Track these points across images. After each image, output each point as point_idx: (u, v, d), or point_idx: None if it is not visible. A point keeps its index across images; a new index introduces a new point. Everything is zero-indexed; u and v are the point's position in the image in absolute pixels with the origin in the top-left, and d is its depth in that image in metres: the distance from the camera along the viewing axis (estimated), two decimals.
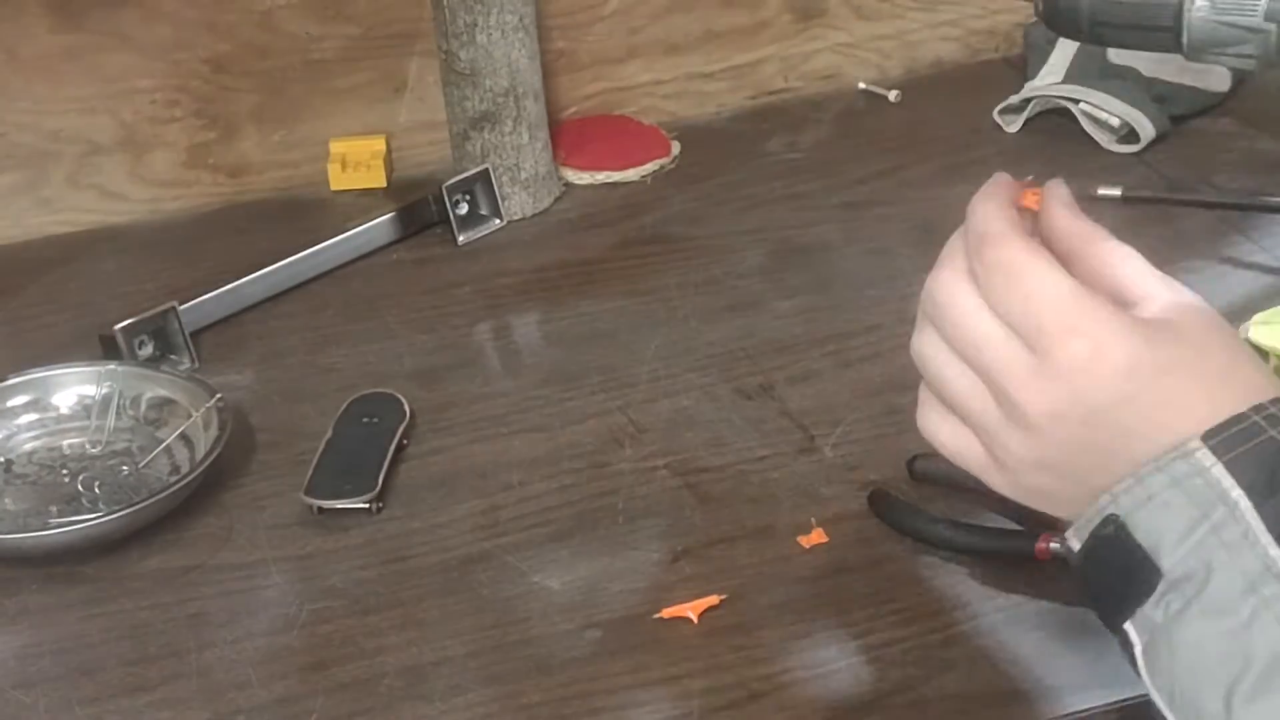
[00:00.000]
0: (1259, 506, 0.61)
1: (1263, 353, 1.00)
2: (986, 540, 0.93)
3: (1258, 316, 1.04)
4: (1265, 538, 0.61)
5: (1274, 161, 1.36)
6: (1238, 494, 0.62)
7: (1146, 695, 0.66)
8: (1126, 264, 0.70)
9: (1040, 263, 0.67)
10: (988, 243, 0.68)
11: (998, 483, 0.70)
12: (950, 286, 0.69)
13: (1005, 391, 0.67)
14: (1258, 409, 0.63)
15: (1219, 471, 0.62)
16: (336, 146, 1.41)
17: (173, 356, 1.17)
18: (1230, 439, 0.62)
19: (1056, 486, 0.68)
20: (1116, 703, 0.83)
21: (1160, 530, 0.63)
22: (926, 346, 0.71)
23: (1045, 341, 0.66)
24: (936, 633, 0.89)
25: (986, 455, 0.70)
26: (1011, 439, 0.68)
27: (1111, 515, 0.65)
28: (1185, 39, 0.87)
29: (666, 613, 0.91)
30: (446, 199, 1.31)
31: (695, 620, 0.91)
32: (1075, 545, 0.68)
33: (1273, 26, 0.84)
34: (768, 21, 1.50)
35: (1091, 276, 0.69)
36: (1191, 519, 0.62)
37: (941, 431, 0.72)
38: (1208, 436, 0.63)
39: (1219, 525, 0.62)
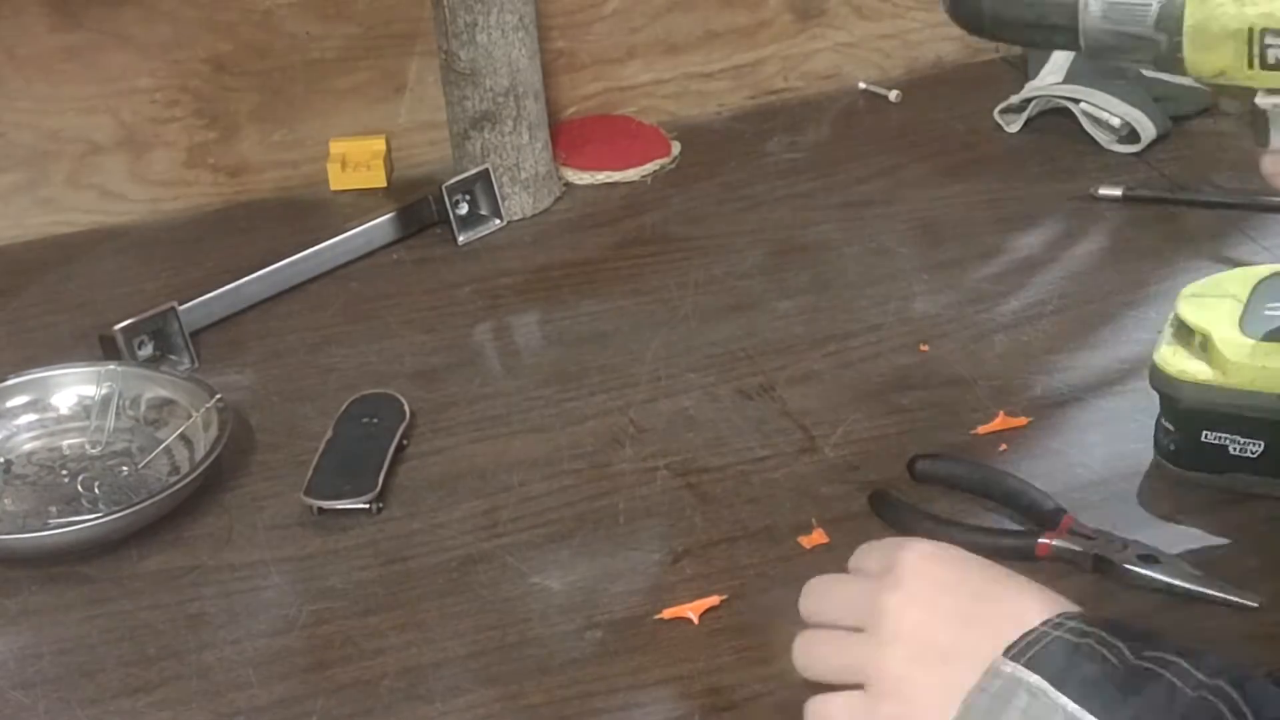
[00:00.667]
0: (1059, 687, 0.67)
1: (1188, 329, 0.96)
2: (987, 540, 0.93)
3: (1188, 289, 1.00)
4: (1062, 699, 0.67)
5: None
6: (1035, 679, 0.68)
7: None
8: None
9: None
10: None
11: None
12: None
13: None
14: (1045, 621, 0.69)
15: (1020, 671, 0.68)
16: (336, 146, 1.41)
17: (172, 357, 1.17)
18: (1025, 648, 0.69)
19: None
20: None
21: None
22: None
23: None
24: None
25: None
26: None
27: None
28: (1083, 42, 0.87)
29: (667, 613, 0.91)
30: (446, 199, 1.31)
31: (696, 621, 0.91)
32: None
33: (1163, 36, 0.84)
34: (768, 21, 1.50)
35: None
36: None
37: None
38: (1008, 651, 0.69)
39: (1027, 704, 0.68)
